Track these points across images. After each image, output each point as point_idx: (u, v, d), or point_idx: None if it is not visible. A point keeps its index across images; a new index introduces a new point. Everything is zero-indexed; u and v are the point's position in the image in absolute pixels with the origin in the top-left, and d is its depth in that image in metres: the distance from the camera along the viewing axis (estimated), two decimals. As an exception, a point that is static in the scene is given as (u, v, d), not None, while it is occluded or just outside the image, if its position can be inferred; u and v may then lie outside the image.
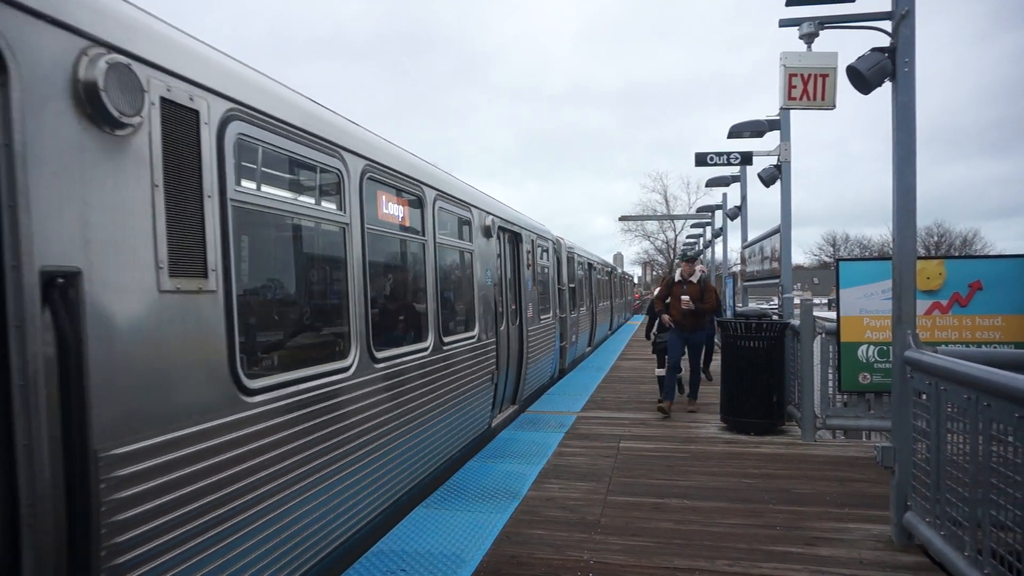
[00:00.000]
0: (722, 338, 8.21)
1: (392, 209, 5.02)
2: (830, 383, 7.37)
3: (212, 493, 2.75)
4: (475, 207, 7.17)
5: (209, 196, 2.84)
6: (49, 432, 2.08)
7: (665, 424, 8.31)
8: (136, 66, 2.46)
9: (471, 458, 6.60)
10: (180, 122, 2.70)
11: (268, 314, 3.80)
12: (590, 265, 18.18)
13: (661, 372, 9.67)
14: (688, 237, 32.39)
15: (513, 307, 9.03)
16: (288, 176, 3.77)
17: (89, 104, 2.26)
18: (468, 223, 6.99)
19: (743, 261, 13.93)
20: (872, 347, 6.98)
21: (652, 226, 66.88)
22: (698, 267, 9.61)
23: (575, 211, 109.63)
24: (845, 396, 7.28)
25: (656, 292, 9.91)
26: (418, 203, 5.57)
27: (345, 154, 4.14)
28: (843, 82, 4.65)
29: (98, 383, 2.25)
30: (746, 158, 11.25)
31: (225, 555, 2.83)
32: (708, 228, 21.84)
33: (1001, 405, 3.22)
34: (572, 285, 14.50)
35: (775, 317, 8.79)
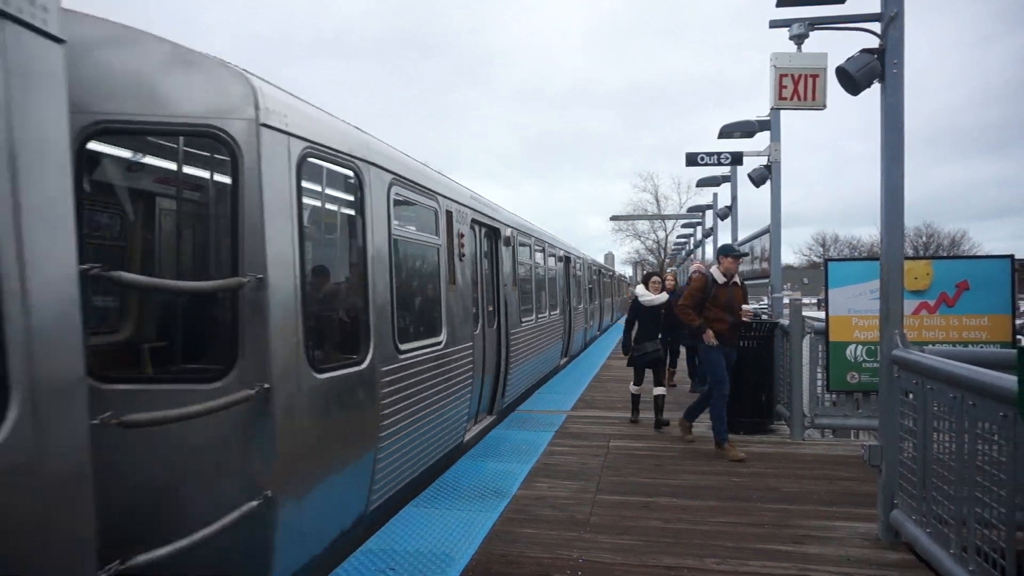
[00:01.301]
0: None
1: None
2: (819, 382, 7.41)
3: None
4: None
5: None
6: None
7: (654, 423, 8.32)
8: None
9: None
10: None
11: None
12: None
13: (637, 390, 8.50)
14: (679, 237, 32.51)
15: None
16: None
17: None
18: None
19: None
20: (860, 347, 7.03)
21: (643, 226, 67.09)
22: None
23: (572, 212, 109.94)
24: (833, 395, 7.33)
25: (682, 296, 7.05)
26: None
27: None
28: (833, 83, 4.68)
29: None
30: (736, 158, 11.30)
31: None
32: (699, 228, 21.91)
33: (986, 404, 3.25)
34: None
35: (764, 317, 8.83)
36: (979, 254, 39.60)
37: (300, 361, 3.57)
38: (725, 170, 13.51)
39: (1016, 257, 6.70)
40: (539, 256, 12.04)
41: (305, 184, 3.80)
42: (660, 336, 8.21)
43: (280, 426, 3.37)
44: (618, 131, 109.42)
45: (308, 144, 3.81)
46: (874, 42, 4.40)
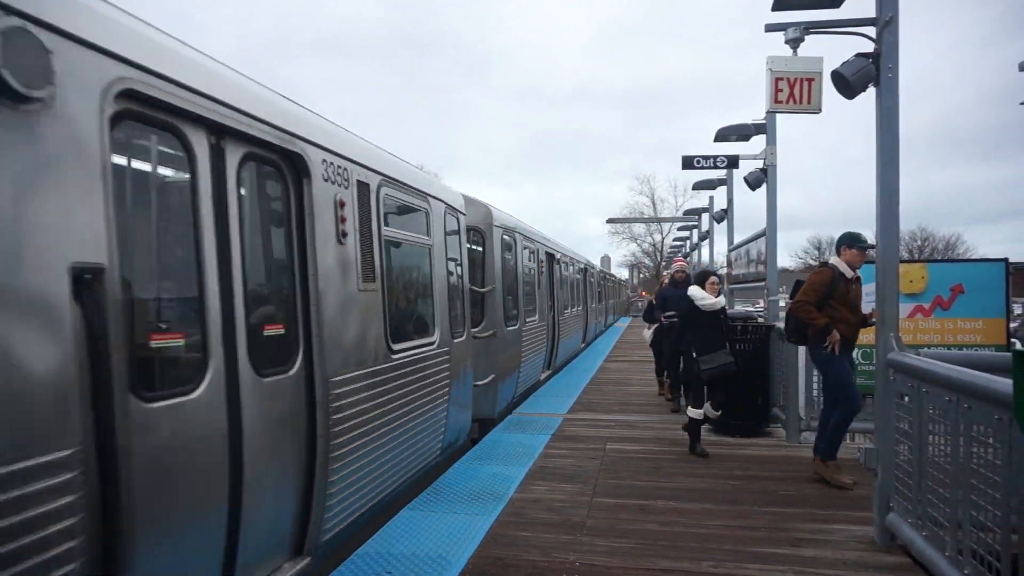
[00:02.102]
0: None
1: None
2: (815, 385, 7.42)
3: None
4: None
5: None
6: None
7: (651, 426, 8.33)
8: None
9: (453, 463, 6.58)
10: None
11: None
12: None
13: (699, 413, 6.97)
14: (675, 240, 32.55)
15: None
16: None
17: None
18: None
19: (729, 264, 14.00)
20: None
21: (639, 229, 67.23)
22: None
23: (570, 213, 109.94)
24: (829, 398, 7.32)
25: (802, 296, 5.80)
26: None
27: None
28: (829, 87, 4.70)
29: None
30: (732, 161, 11.32)
31: None
32: (695, 231, 21.94)
33: (981, 407, 3.26)
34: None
35: (761, 320, 8.84)
36: (974, 258, 39.80)
37: None
38: (721, 173, 13.55)
39: (1011, 261, 6.73)
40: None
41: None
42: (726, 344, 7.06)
43: None
44: (618, 131, 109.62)
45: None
46: (869, 46, 4.42)
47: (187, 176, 2.98)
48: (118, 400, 2.38)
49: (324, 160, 3.99)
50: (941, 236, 73.64)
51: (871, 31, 4.44)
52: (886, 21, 4.32)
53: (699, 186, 15.00)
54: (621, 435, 7.83)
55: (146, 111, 2.71)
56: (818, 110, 5.33)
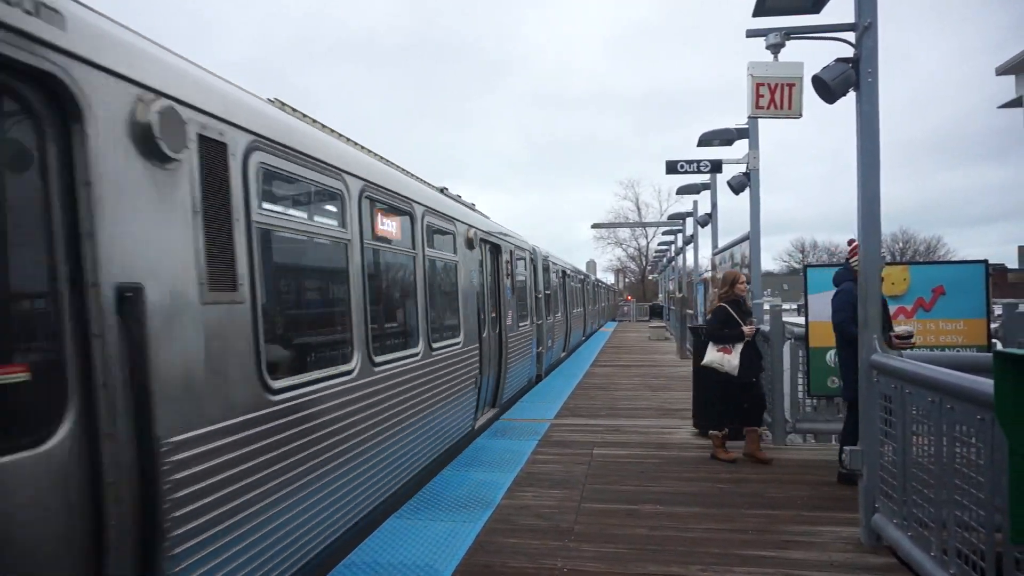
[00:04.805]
0: (693, 344, 8.27)
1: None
2: (800, 387, 7.47)
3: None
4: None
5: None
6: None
7: (638, 431, 8.33)
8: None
9: (444, 467, 6.54)
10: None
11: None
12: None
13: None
14: (660, 244, 32.70)
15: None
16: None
17: None
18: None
19: (714, 268, 14.08)
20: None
21: (624, 233, 67.48)
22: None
23: (566, 218, 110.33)
24: (814, 400, 7.38)
25: None
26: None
27: None
28: (809, 91, 4.73)
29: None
30: (716, 166, 11.40)
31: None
32: (679, 235, 22.06)
33: (964, 407, 3.28)
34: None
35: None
36: (954, 259, 40.29)
37: None
38: (705, 178, 13.64)
39: (991, 262, 6.82)
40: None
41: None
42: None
43: None
44: (627, 137, 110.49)
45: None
46: (849, 51, 4.47)
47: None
48: None
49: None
50: (922, 239, 74.70)
51: (851, 36, 4.49)
52: (865, 26, 4.37)
53: (683, 190, 15.10)
54: (608, 440, 7.82)
55: None
56: (799, 115, 5.36)
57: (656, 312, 36.05)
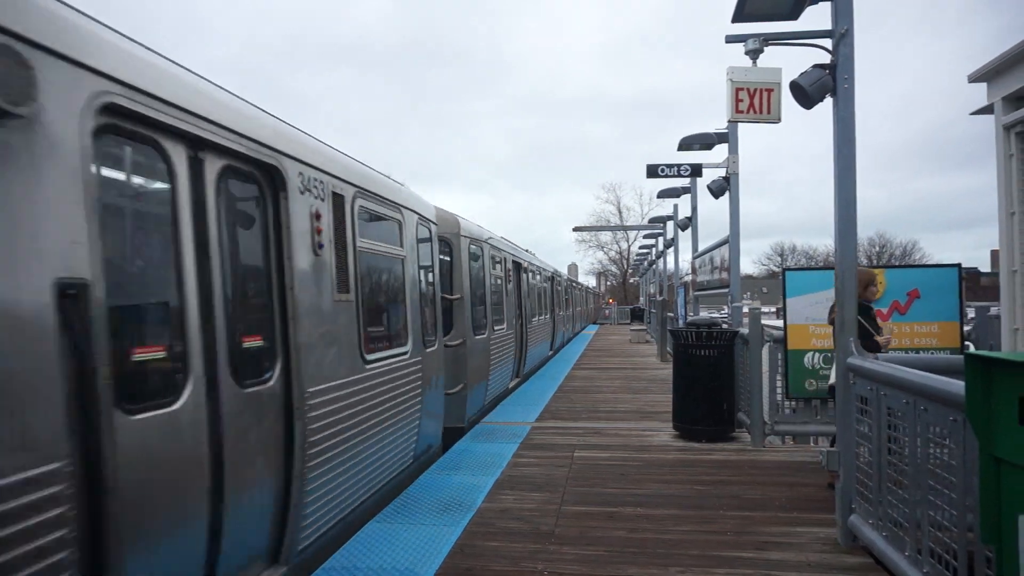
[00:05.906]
0: (673, 347, 8.32)
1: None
2: (778, 390, 7.54)
3: None
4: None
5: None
6: None
7: (619, 433, 8.36)
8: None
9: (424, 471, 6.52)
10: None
11: None
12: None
13: None
14: (641, 248, 32.89)
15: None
16: None
17: None
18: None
19: (694, 271, 14.20)
20: (818, 354, 7.18)
21: (606, 237, 67.79)
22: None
23: (551, 222, 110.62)
24: (793, 402, 7.46)
25: None
26: None
27: None
28: (788, 97, 4.79)
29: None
30: (696, 170, 11.50)
31: None
32: (660, 239, 22.21)
33: (937, 409, 3.33)
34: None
35: (725, 326, 8.96)
36: (928, 263, 40.93)
37: None
38: (686, 182, 13.75)
39: (964, 266, 6.93)
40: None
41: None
42: None
43: None
44: (615, 142, 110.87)
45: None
46: (827, 58, 4.53)
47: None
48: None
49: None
50: (899, 243, 75.92)
51: (828, 43, 4.55)
52: (842, 33, 4.43)
53: (664, 194, 15.21)
54: (589, 443, 7.84)
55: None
56: (778, 120, 5.43)
57: (637, 315, 36.26)
